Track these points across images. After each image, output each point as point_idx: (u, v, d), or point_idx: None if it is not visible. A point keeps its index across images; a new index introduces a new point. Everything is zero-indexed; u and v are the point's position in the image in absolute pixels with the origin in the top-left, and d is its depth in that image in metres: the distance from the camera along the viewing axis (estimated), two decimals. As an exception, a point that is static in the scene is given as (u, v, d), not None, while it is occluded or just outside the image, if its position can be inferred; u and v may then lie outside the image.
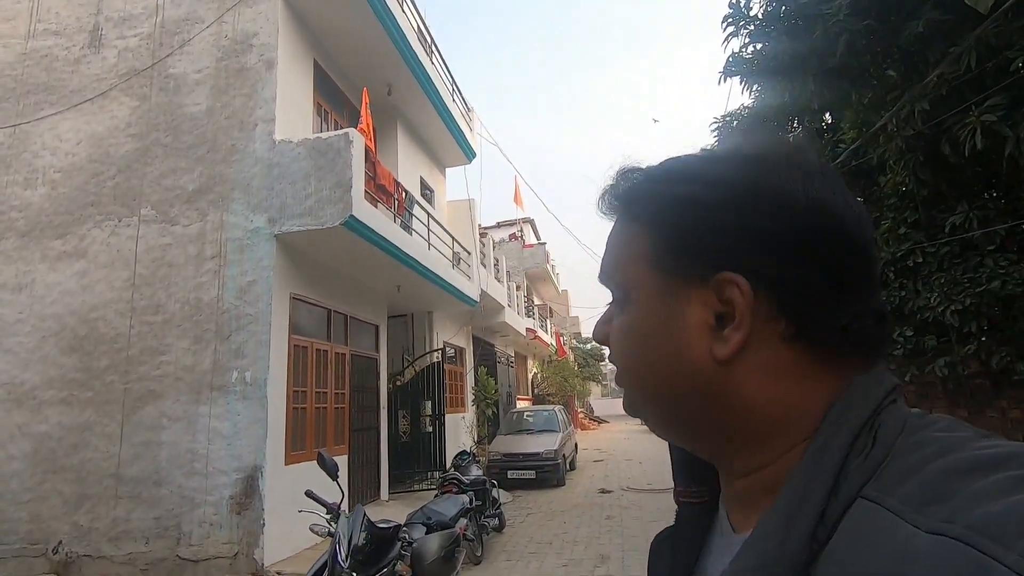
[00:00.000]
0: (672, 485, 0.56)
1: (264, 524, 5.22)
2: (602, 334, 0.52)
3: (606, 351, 0.54)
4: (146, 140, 6.41)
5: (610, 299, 0.52)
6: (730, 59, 4.54)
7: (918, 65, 3.82)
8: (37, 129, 6.66)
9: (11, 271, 6.28)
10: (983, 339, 4.10)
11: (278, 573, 5.16)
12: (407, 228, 7.77)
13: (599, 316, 0.54)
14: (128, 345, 5.88)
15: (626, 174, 0.52)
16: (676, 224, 0.45)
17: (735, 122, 7.77)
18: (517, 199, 19.74)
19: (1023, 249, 4.01)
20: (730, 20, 4.38)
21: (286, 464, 5.64)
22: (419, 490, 8.56)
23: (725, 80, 4.61)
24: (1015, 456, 0.31)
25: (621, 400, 0.52)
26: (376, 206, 6.82)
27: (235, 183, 6.06)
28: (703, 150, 0.53)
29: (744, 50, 4.46)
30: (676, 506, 0.55)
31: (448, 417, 10.27)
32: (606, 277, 0.52)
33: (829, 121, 6.81)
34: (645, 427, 0.53)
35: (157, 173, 6.29)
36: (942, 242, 4.12)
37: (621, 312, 0.49)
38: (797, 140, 6.68)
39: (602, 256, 0.53)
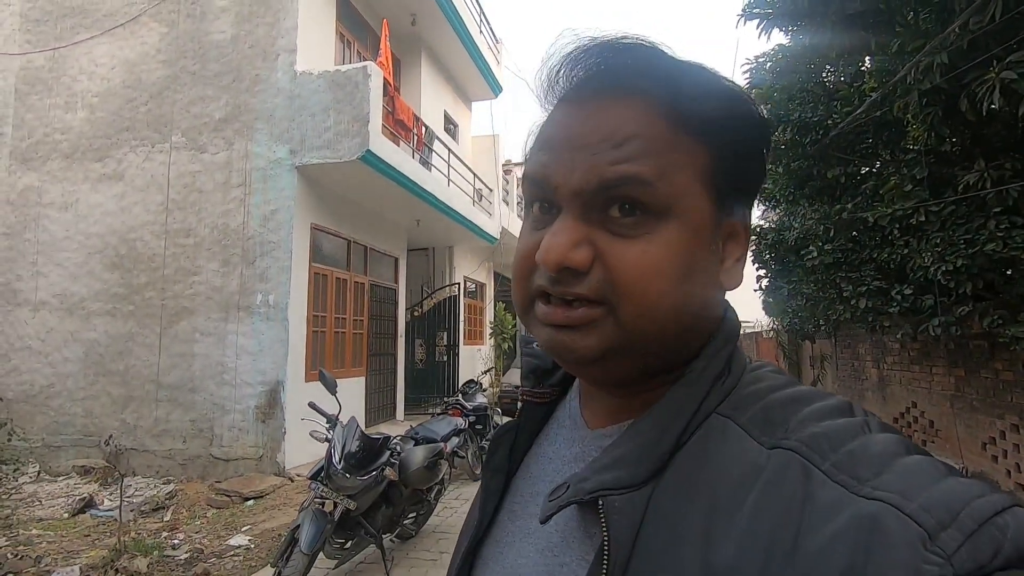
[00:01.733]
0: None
1: (285, 432, 5.79)
2: (586, 257, 0.41)
3: None
4: (175, 67, 6.60)
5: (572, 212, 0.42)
6: (751, 1, 4.37)
7: (943, 14, 3.62)
8: (74, 53, 6.91)
9: (57, 190, 6.74)
10: (978, 302, 4.10)
11: (298, 475, 5.77)
12: (426, 164, 7.88)
13: (553, 232, 0.41)
14: (163, 265, 6.35)
15: (640, 55, 0.43)
16: (743, 154, 0.44)
17: (768, 63, 7.44)
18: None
19: (1032, 213, 3.91)
20: (754, -43, 4.18)
21: (306, 381, 6.14)
22: (432, 413, 9.14)
23: (745, 23, 4.45)
24: (818, 394, 0.42)
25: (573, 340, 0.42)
26: (398, 144, 6.93)
27: (259, 113, 6.25)
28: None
29: (766, -9, 4.28)
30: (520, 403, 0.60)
31: (465, 349, 10.74)
32: (619, 178, 0.40)
33: (867, 67, 6.46)
34: None
35: (186, 100, 6.52)
36: (948, 201, 4.04)
37: (640, 231, 0.41)
38: (831, 85, 6.25)
39: (596, 145, 0.41)
